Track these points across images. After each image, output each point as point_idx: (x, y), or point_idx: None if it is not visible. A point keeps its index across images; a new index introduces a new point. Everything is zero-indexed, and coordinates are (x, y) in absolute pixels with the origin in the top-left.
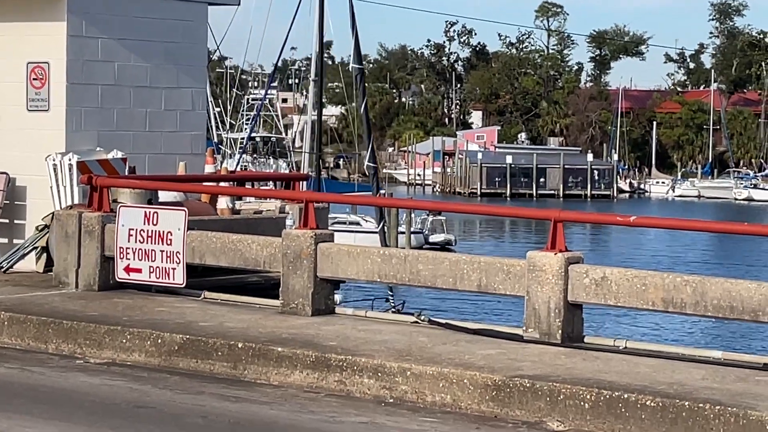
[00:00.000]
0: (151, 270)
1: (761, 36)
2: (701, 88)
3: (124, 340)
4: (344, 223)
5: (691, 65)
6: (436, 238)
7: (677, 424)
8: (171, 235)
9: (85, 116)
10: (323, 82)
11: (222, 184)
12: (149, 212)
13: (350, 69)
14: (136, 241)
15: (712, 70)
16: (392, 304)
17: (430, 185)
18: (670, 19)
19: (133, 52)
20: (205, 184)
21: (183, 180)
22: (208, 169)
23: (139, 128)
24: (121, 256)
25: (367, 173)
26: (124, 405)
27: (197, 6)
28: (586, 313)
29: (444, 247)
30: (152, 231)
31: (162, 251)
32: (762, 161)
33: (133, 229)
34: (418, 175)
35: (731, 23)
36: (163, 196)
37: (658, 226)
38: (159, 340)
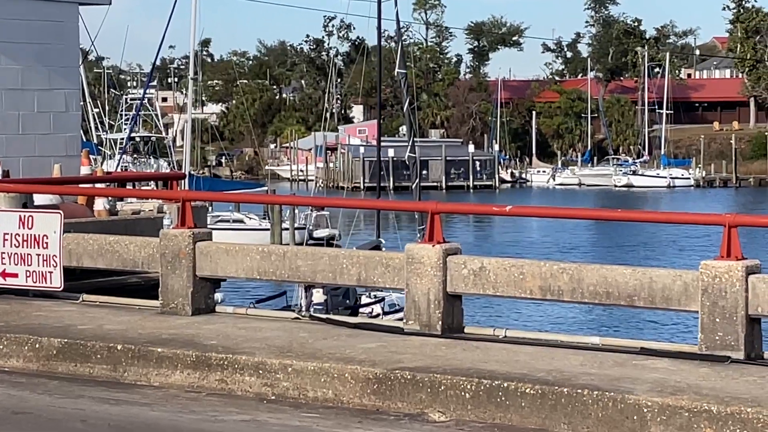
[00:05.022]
0: (28, 274)
1: (636, 24)
2: (579, 77)
3: (1, 346)
4: (228, 221)
5: (569, 54)
6: (320, 233)
7: (556, 410)
8: (47, 238)
9: None
10: (201, 79)
11: (99, 185)
12: (24, 216)
13: (396, 75)
14: (11, 246)
15: (589, 59)
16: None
17: (313, 180)
18: (546, 9)
19: (3, 54)
20: (81, 185)
21: (59, 182)
22: (84, 170)
23: (11, 131)
24: None
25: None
26: (1, 411)
27: (67, 6)
28: (466, 303)
29: (328, 242)
30: (27, 235)
31: (38, 255)
32: (640, 147)
33: (8, 234)
34: (301, 170)
35: (606, 12)
36: (39, 199)
37: (533, 215)
38: (37, 345)
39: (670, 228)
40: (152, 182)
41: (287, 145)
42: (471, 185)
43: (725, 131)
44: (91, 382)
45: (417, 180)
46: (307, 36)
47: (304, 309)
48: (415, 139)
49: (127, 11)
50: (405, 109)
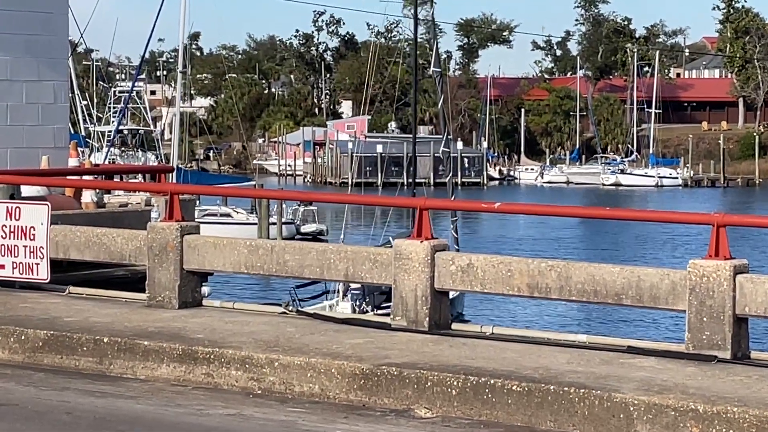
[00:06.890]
0: (14, 266)
1: (626, 23)
2: (568, 75)
3: None
4: (215, 215)
5: (558, 52)
6: (307, 228)
7: (543, 408)
8: (34, 230)
9: None
10: (190, 72)
11: (86, 177)
12: (11, 207)
13: (431, 73)
14: None
15: (579, 57)
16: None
17: (301, 176)
18: (536, 7)
19: None
20: (69, 177)
21: (47, 174)
22: (72, 162)
23: None
24: None
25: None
26: None
27: None
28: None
29: (316, 237)
30: (14, 226)
31: (25, 246)
32: (629, 146)
33: None
34: (289, 165)
35: (596, 10)
36: (26, 190)
37: (521, 212)
38: (23, 337)
39: (659, 227)
40: (140, 175)
41: (275, 139)
42: (459, 182)
43: (714, 131)
44: (76, 375)
45: (450, 175)
46: (297, 31)
47: (341, 294)
48: (445, 136)
49: (117, 4)
50: (440, 105)
